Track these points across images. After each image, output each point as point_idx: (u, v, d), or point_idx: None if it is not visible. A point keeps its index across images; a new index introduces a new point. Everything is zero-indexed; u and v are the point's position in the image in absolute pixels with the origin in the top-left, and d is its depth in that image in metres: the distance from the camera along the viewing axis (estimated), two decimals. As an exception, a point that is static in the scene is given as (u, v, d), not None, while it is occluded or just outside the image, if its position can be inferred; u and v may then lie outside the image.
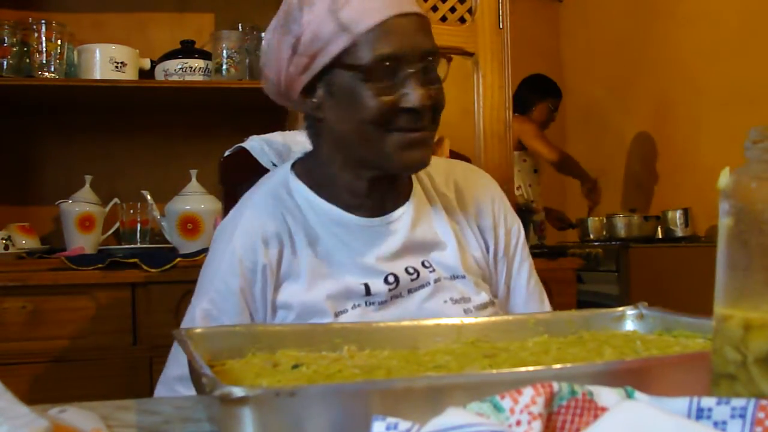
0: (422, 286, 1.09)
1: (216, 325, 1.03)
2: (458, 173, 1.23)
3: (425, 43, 1.03)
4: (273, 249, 1.07)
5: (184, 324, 1.09)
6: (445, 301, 1.09)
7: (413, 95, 1.00)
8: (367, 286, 1.06)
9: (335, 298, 1.05)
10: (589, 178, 3.89)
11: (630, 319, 0.91)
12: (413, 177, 1.17)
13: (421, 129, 1.02)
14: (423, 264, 1.11)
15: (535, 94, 3.65)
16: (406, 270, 1.09)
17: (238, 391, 0.52)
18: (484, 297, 1.12)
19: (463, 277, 1.12)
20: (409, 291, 1.09)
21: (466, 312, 1.08)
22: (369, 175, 1.08)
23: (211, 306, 1.07)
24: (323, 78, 1.04)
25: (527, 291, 1.21)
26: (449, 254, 1.13)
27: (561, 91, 3.81)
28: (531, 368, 0.63)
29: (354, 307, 1.05)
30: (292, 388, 0.54)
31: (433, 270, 1.11)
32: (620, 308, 0.92)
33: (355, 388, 0.58)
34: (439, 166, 1.22)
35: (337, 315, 1.04)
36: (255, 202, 1.12)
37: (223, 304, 1.06)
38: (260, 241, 1.07)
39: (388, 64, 0.99)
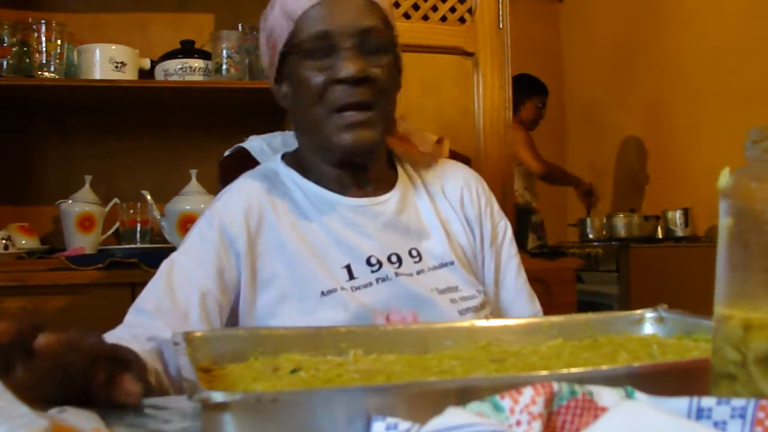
0: (408, 275, 1.10)
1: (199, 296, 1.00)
2: (447, 168, 1.26)
3: (362, 20, 1.05)
4: (254, 219, 1.09)
5: (152, 280, 1.05)
6: (432, 290, 1.09)
7: (343, 66, 1.03)
8: (349, 269, 1.08)
9: (319, 276, 1.06)
10: (582, 182, 3.89)
11: (649, 322, 0.88)
12: (399, 167, 1.20)
13: (358, 107, 1.04)
14: (410, 253, 1.12)
15: (522, 93, 3.62)
16: (389, 258, 1.10)
17: (217, 396, 0.51)
18: (472, 287, 1.12)
19: (452, 263, 1.13)
20: (396, 275, 1.09)
21: (453, 302, 1.09)
22: (330, 159, 1.11)
23: (179, 254, 1.06)
24: (283, 68, 1.11)
25: (515, 287, 1.22)
26: (437, 242, 1.15)
27: (547, 88, 3.80)
28: (516, 374, 0.62)
29: (341, 289, 1.06)
30: (273, 394, 0.52)
31: (420, 260, 1.12)
32: (639, 311, 0.89)
33: (336, 393, 0.57)
34: (428, 165, 1.25)
35: (324, 294, 1.04)
36: (244, 180, 1.16)
37: (192, 249, 1.06)
38: (242, 209, 1.09)
39: (323, 40, 1.04)
